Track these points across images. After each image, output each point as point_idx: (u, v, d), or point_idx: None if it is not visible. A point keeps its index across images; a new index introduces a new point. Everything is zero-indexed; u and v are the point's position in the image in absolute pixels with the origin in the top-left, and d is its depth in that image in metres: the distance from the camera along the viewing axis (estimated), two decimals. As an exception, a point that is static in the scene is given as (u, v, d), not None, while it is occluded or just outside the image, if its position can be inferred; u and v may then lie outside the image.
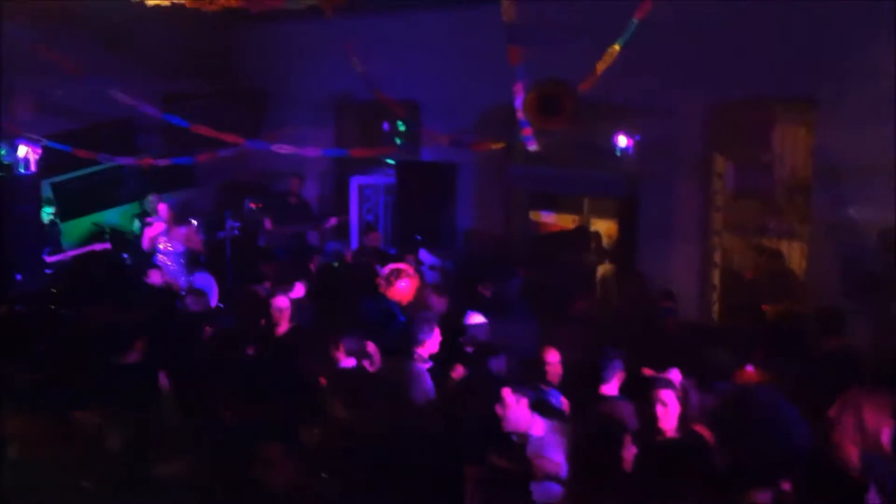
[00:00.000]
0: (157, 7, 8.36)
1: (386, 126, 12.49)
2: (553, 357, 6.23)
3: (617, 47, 7.70)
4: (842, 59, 8.09)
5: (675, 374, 5.79)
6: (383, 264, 8.49)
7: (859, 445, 4.89)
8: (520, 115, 7.58)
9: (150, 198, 11.74)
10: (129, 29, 11.50)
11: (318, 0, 8.56)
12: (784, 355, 6.55)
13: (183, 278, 9.99)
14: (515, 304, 8.12)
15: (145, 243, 10.52)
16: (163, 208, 10.74)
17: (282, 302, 7.26)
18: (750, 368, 6.33)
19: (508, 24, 6.94)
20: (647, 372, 5.94)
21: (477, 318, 7.19)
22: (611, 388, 5.90)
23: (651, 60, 8.78)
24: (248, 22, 12.60)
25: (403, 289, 7.71)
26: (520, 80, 7.08)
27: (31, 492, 4.44)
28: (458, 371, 6.26)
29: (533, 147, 8.18)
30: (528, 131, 7.78)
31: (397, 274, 7.72)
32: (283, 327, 7.19)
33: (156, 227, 10.52)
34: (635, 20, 7.46)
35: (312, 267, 9.48)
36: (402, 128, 12.22)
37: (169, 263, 10.23)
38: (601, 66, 7.75)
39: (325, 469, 4.37)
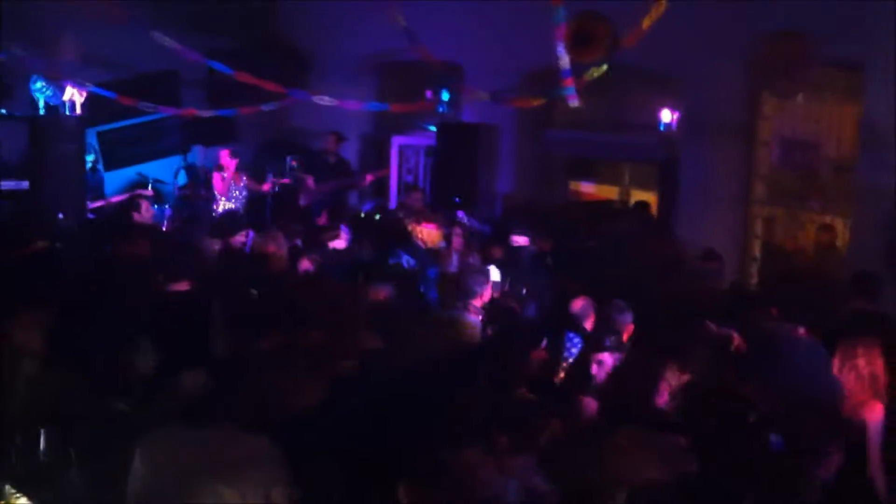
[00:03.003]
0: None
1: (429, 94, 12.43)
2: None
3: (664, 3, 7.56)
4: (891, 23, 7.92)
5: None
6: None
7: (860, 392, 4.84)
8: (562, 64, 7.46)
9: (196, 150, 12.13)
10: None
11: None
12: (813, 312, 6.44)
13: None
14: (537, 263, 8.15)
15: (218, 187, 10.82)
16: (224, 154, 10.99)
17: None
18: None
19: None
20: (709, 327, 5.88)
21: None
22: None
23: (690, 22, 8.66)
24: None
25: (429, 231, 7.90)
26: (562, 22, 6.99)
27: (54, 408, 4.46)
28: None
29: (574, 102, 8.06)
30: (569, 82, 7.66)
31: (426, 216, 7.94)
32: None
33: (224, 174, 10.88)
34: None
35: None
36: (445, 97, 12.15)
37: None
38: (647, 22, 7.61)
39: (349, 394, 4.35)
